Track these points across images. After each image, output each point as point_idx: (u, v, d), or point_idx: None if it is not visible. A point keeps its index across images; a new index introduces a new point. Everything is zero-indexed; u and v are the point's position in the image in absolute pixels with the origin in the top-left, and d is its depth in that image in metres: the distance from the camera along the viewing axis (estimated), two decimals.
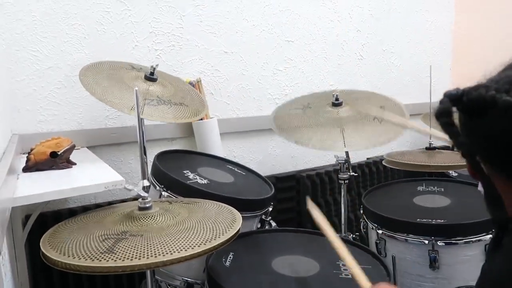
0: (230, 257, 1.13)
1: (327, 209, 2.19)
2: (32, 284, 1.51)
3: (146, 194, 0.90)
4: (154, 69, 1.45)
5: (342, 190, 1.79)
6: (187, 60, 1.84)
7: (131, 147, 1.75)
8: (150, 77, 1.44)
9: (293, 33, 2.11)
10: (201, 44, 1.86)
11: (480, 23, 2.62)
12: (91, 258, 0.74)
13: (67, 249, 0.78)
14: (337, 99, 1.70)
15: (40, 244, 0.82)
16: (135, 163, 1.76)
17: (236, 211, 1.00)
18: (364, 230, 1.61)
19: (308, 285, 1.02)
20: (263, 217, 1.37)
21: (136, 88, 0.91)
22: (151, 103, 1.32)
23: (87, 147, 1.62)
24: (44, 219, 1.51)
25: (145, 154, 1.51)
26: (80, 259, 0.74)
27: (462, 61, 2.73)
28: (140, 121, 1.01)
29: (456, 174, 2.08)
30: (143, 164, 0.96)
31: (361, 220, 1.61)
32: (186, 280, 1.24)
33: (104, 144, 1.69)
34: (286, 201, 2.09)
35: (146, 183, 0.91)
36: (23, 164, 1.21)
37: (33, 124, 1.56)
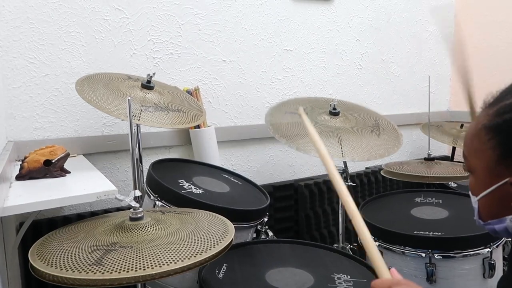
0: (224, 269, 1.12)
1: (325, 218, 2.17)
2: None
3: (137, 205, 0.89)
4: (151, 77, 1.45)
5: (340, 201, 1.78)
6: (185, 68, 1.84)
7: (128, 155, 1.74)
8: (147, 85, 1.44)
9: (292, 42, 2.11)
10: (199, 52, 1.86)
11: (480, 35, 2.62)
12: (78, 270, 0.73)
13: (55, 261, 0.77)
14: (334, 109, 1.70)
15: (29, 255, 0.81)
16: (131, 171, 1.75)
17: (229, 222, 0.99)
18: (361, 241, 1.59)
19: None
20: (259, 227, 1.36)
21: (129, 98, 0.90)
22: (148, 109, 1.31)
23: (84, 155, 1.62)
24: (38, 226, 1.50)
25: (141, 162, 1.52)
26: (67, 271, 0.73)
27: None
28: (133, 131, 1.00)
29: (455, 185, 2.06)
30: (135, 174, 0.95)
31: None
32: None
33: (100, 151, 1.69)
34: (284, 210, 2.08)
35: (137, 193, 0.90)
36: (17, 172, 1.21)
37: (29, 131, 1.55)
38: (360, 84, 2.37)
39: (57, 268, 0.74)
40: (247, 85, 2.01)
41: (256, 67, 2.02)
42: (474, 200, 0.69)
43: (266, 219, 1.37)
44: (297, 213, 2.13)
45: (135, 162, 1.07)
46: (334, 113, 1.70)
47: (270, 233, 1.48)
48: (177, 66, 1.82)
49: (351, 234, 2.26)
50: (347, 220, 2.24)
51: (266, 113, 1.71)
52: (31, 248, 0.84)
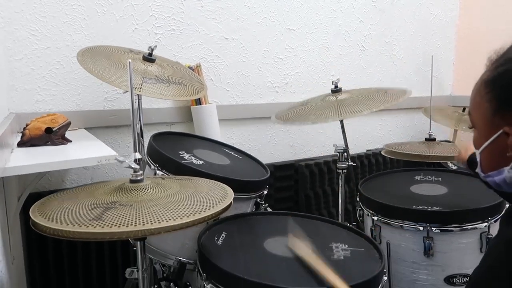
0: (223, 237, 1.13)
1: (325, 199, 2.18)
2: (26, 258, 1.51)
3: (137, 166, 0.90)
4: (153, 49, 1.44)
5: (340, 180, 1.77)
6: (187, 45, 1.83)
7: (129, 130, 1.75)
8: (148, 58, 1.43)
9: (294, 22, 2.09)
10: (201, 29, 1.86)
11: (485, 19, 2.60)
12: (79, 225, 0.73)
13: (56, 217, 0.78)
14: (336, 86, 1.69)
15: (30, 212, 0.82)
16: (132, 146, 1.76)
17: (228, 187, 0.99)
18: (361, 218, 1.60)
19: (300, 265, 1.01)
20: (258, 200, 1.37)
21: (130, 60, 0.90)
22: (149, 81, 1.31)
23: (85, 129, 1.62)
24: (40, 198, 1.50)
25: (142, 137, 1.52)
26: (68, 225, 0.74)
27: (465, 56, 2.71)
28: (133, 98, 1.00)
29: (456, 167, 2.06)
30: (135, 137, 0.95)
31: (357, 208, 1.60)
32: (179, 259, 1.24)
33: (102, 126, 1.69)
34: (284, 190, 2.09)
35: (138, 155, 0.91)
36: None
37: (30, 104, 1.56)
38: (362, 66, 2.36)
39: (57, 222, 0.75)
40: (249, 64, 2.00)
41: (259, 46, 2.01)
42: (477, 153, 0.72)
43: (265, 192, 1.38)
44: (297, 193, 2.14)
45: (136, 134, 1.07)
46: (335, 90, 1.70)
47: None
48: (179, 43, 1.82)
49: (350, 215, 2.28)
50: (347, 202, 2.26)
51: (272, 118, 1.71)
52: (32, 207, 0.85)
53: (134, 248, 1.58)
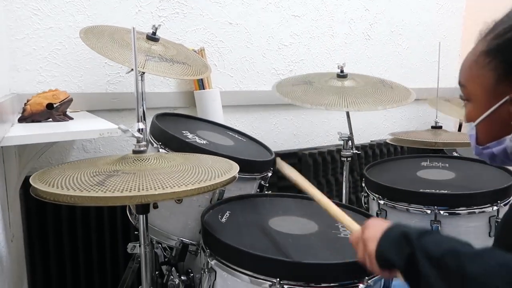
0: (227, 215, 1.10)
1: (329, 189, 2.16)
2: (26, 236, 1.48)
3: (140, 135, 0.88)
4: (157, 29, 1.42)
5: (344, 171, 1.74)
6: (191, 29, 1.81)
7: (131, 114, 1.72)
8: (152, 37, 1.41)
9: (300, 8, 2.07)
10: (205, 13, 1.83)
11: (492, 10, 2.56)
12: (80, 190, 0.71)
13: (57, 183, 0.75)
14: (342, 71, 1.67)
15: (30, 180, 0.79)
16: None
17: (234, 162, 0.97)
18: (366, 205, 1.58)
19: (306, 242, 0.99)
20: (262, 182, 1.34)
21: (133, 27, 0.88)
22: (152, 59, 1.29)
23: (87, 111, 1.60)
24: None
25: (144, 119, 1.49)
26: (69, 190, 0.71)
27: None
28: (137, 70, 0.98)
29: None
30: (138, 106, 0.93)
31: (362, 193, 1.57)
32: (182, 240, 1.21)
33: (104, 109, 1.66)
34: (287, 179, 2.06)
35: (141, 125, 0.89)
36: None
37: (32, 85, 1.53)
38: (367, 55, 2.34)
39: (58, 188, 0.73)
40: (254, 50, 1.98)
41: (263, 32, 1.99)
42: (472, 126, 0.70)
43: (270, 174, 1.35)
44: None
45: (139, 104, 1.04)
46: (341, 75, 1.67)
47: None
48: (183, 26, 1.79)
49: (354, 205, 2.25)
50: (351, 192, 2.23)
51: (273, 86, 1.67)
52: (32, 176, 0.83)
53: (136, 233, 1.57)
